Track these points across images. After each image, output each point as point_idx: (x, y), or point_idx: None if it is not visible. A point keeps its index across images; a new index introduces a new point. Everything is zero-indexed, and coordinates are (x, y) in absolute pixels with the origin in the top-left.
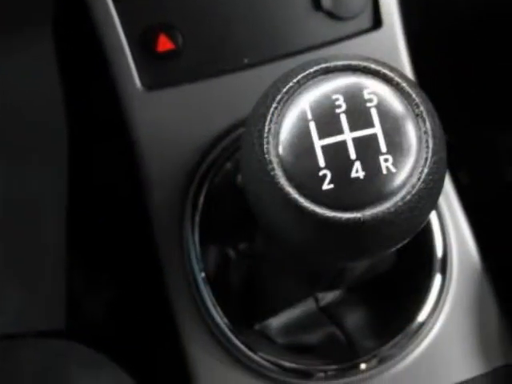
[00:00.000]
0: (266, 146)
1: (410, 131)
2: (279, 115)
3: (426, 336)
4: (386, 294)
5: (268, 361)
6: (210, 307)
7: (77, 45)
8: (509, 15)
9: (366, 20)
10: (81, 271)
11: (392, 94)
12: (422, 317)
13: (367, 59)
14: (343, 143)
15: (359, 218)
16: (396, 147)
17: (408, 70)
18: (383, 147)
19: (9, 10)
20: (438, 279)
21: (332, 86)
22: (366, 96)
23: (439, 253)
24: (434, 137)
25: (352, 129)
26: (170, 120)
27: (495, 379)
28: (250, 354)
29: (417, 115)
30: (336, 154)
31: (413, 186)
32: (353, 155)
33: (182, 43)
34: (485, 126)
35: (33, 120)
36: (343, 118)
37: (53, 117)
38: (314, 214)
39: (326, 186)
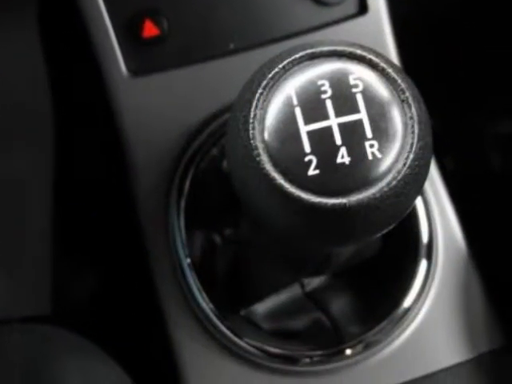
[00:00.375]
0: (251, 132)
1: (396, 117)
2: (265, 101)
3: (411, 322)
4: (371, 279)
5: (253, 346)
6: (195, 293)
7: (62, 30)
8: (497, 2)
9: (351, 6)
10: (67, 257)
11: (378, 80)
12: (407, 302)
13: (353, 45)
14: (329, 129)
15: (345, 204)
16: (381, 133)
17: (394, 55)
18: (369, 133)
19: None
20: (423, 265)
21: (318, 72)
22: (352, 82)
23: (425, 238)
24: (419, 122)
25: (337, 114)
26: (156, 105)
27: (481, 365)
28: (236, 339)
29: (402, 101)
30: (321, 139)
31: (398, 172)
32: (338, 141)
33: (167, 29)
34: (471, 112)
35: (19, 104)
36: (329, 104)
37: (39, 101)
38: (299, 200)
39: (311, 172)
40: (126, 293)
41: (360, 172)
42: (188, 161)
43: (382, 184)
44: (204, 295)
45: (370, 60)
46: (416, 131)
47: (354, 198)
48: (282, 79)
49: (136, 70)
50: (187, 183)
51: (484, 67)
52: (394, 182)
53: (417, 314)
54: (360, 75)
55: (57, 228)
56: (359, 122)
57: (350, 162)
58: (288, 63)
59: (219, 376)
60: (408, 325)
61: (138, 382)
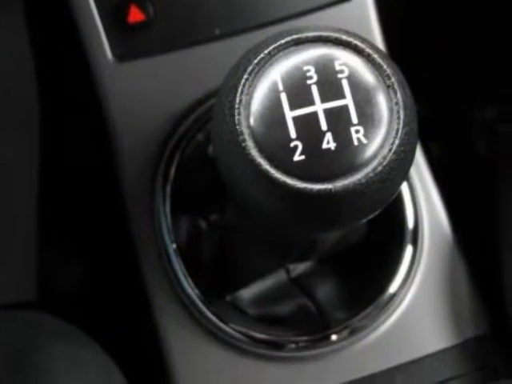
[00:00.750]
0: (237, 117)
1: (381, 102)
2: (250, 86)
3: (397, 307)
4: (357, 265)
5: (239, 332)
6: (181, 278)
7: (48, 16)
8: None
9: None
10: (53, 244)
11: (363, 66)
12: (393, 288)
13: (338, 30)
14: (314, 114)
15: (330, 190)
16: (367, 118)
17: (379, 41)
18: (354, 118)
19: None
20: (409, 250)
21: (303, 58)
22: (337, 67)
23: (410, 224)
24: (405, 108)
25: (323, 100)
26: (142, 91)
27: (466, 350)
28: (221, 325)
29: (388, 86)
30: (307, 125)
31: (384, 157)
32: (324, 126)
33: (153, 14)
34: (457, 98)
35: (6, 90)
36: (314, 90)
37: (26, 88)
38: (284, 186)
39: (297, 157)
40: (113, 279)
41: (346, 157)
42: (174, 146)
43: (368, 169)
44: (189, 281)
45: (356, 46)
46: (401, 117)
47: (340, 184)
48: (268, 65)
49: (122, 56)
50: (173, 169)
51: (471, 54)
52: (380, 168)
53: (402, 299)
54: (346, 61)
55: (43, 215)
56: (345, 108)
57: (336, 147)
58: (274, 49)
59: (205, 361)
60: (393, 310)
61: (125, 368)
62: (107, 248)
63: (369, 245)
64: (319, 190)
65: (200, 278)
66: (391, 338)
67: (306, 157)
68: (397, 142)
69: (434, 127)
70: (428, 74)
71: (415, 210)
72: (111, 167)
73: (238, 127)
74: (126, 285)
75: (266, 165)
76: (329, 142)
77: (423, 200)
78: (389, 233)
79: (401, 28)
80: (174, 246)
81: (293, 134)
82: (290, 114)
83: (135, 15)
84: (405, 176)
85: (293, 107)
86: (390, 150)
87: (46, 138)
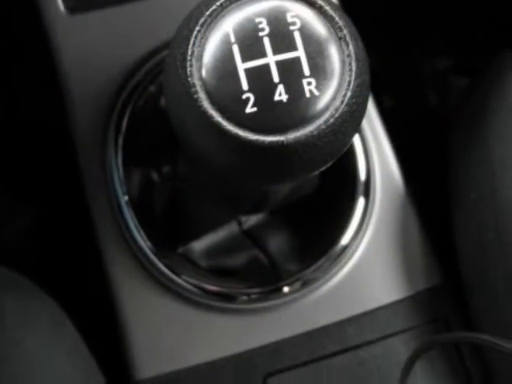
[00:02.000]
0: (189, 69)
1: (333, 54)
2: (202, 38)
3: (349, 259)
4: (309, 217)
5: (191, 284)
6: (133, 230)
7: None
8: None
9: None
10: (4, 193)
11: (315, 18)
12: (345, 240)
13: None
14: (266, 66)
15: (282, 142)
16: (319, 70)
17: None
18: (306, 70)
19: None
20: (361, 202)
21: (255, 9)
22: (289, 19)
23: (362, 176)
24: (357, 60)
25: (275, 52)
26: (94, 43)
27: (418, 302)
28: (173, 276)
29: (340, 38)
30: (259, 77)
31: (336, 109)
32: (276, 78)
33: None
34: (409, 50)
35: None
36: (266, 41)
37: None
38: (236, 138)
39: (249, 109)
40: (64, 230)
41: (297, 109)
42: (126, 98)
43: (320, 121)
44: (142, 233)
45: None
46: (353, 69)
47: (292, 136)
48: (220, 16)
49: (73, 8)
50: (125, 120)
51: (423, 6)
52: (332, 120)
53: (354, 251)
54: (297, 13)
55: None
56: (297, 60)
57: (288, 99)
58: (226, 0)
59: (156, 313)
60: (345, 262)
61: (76, 320)
62: (59, 199)
63: (321, 197)
64: (271, 142)
65: (152, 230)
66: (343, 290)
67: (257, 109)
68: (349, 93)
69: (387, 79)
70: (380, 25)
71: (367, 162)
72: (63, 118)
73: (189, 79)
74: (77, 237)
75: (217, 117)
76: (281, 94)
77: (375, 152)
78: (341, 185)
79: None
80: (126, 198)
81: (245, 86)
82: (241, 66)
83: None
84: (357, 128)
85: (245, 59)
86: (342, 102)
87: None
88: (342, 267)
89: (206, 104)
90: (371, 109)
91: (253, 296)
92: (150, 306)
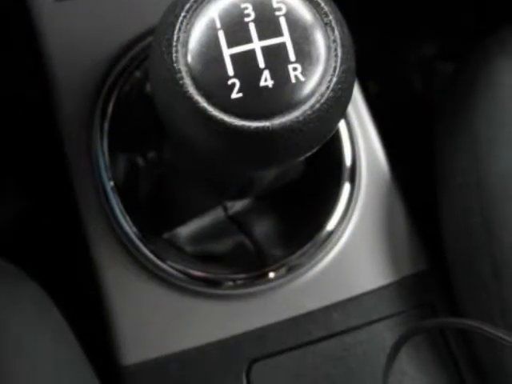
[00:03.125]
0: (174, 55)
1: (319, 40)
2: (188, 24)
3: (334, 245)
4: (295, 202)
5: (176, 269)
6: (118, 216)
7: None
8: None
9: None
10: None
11: (301, 3)
12: (330, 225)
13: None
14: (252, 52)
15: (268, 127)
16: (305, 56)
17: None
18: (292, 56)
19: None
20: (346, 188)
21: None
22: (275, 5)
23: (348, 161)
24: (342, 46)
25: (261, 38)
26: (79, 29)
27: (404, 288)
28: (159, 262)
29: (325, 24)
30: (245, 62)
31: (321, 95)
32: (261, 64)
33: None
34: (394, 36)
35: None
36: (252, 27)
37: None
38: (222, 123)
39: (234, 95)
40: (50, 216)
41: (283, 95)
42: (111, 84)
43: (306, 107)
44: (127, 218)
45: None
46: (339, 54)
47: (277, 122)
48: (206, 2)
49: None
50: (111, 106)
51: None
52: (318, 105)
53: (340, 237)
54: None
55: None
56: (282, 46)
57: (274, 85)
58: None
59: (142, 299)
60: (331, 248)
61: (62, 306)
62: (45, 184)
63: (307, 182)
64: (257, 128)
65: (137, 216)
66: (329, 275)
67: (243, 94)
68: (334, 79)
69: (372, 65)
70: (366, 11)
71: (353, 147)
72: (49, 104)
73: (175, 65)
74: (64, 223)
75: (203, 102)
76: (266, 80)
77: (361, 138)
78: (326, 170)
79: None
80: (112, 183)
81: (230, 71)
82: (227, 52)
83: None
84: (342, 114)
85: (230, 45)
86: (327, 88)
87: None
88: (327, 253)
89: (192, 90)
90: (357, 94)
91: (238, 282)
92: (135, 291)
